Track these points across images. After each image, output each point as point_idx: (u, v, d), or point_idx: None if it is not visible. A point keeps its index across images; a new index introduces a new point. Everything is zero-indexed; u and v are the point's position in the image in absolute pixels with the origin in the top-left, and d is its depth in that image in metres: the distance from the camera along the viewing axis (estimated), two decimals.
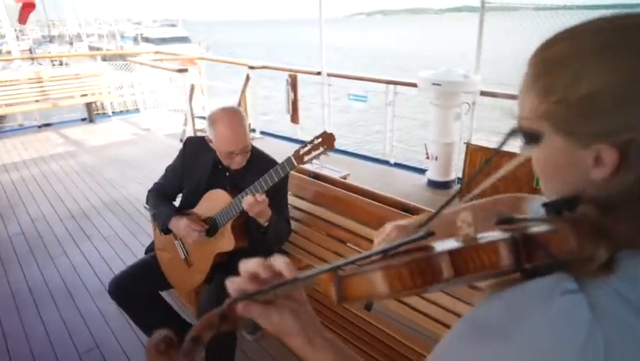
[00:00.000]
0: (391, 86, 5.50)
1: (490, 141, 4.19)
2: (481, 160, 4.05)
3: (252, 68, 6.53)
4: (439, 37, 72.43)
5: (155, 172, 2.30)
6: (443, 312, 1.76)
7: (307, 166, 2.67)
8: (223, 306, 0.60)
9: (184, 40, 36.57)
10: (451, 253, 0.49)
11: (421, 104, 5.78)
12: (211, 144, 2.01)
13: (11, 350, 2.56)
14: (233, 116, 1.96)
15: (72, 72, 7.69)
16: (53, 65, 16.89)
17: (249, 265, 0.63)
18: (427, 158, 4.91)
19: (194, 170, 2.14)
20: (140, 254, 2.45)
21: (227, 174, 2.09)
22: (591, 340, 0.46)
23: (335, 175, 3.22)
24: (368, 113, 6.74)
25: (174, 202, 2.25)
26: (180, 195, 2.25)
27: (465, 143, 4.42)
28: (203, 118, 6.09)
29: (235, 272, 0.65)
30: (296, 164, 1.77)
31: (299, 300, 0.65)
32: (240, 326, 0.61)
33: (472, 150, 4.20)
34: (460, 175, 4.69)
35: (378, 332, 1.99)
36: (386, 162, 5.74)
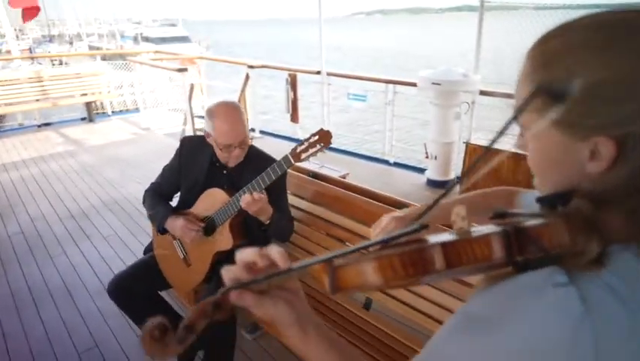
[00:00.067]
0: (391, 86, 5.50)
1: (490, 141, 4.18)
2: (475, 159, 4.05)
3: (251, 67, 6.52)
4: (438, 36, 72.45)
5: (155, 172, 2.30)
6: (443, 311, 1.76)
7: (306, 165, 2.67)
8: (217, 295, 0.60)
9: (184, 39, 36.59)
10: (444, 244, 0.49)
11: (421, 103, 5.78)
12: (209, 139, 2.01)
13: (11, 350, 2.56)
14: (231, 110, 1.97)
15: (72, 72, 7.69)
16: (53, 64, 16.90)
17: (244, 255, 0.63)
18: (427, 157, 4.91)
19: (192, 169, 2.14)
20: (140, 254, 2.45)
21: (225, 172, 2.09)
22: (581, 332, 0.46)
23: (334, 174, 3.22)
24: (367, 112, 6.74)
25: (171, 202, 2.25)
26: (177, 194, 2.25)
27: (464, 142, 4.42)
28: (203, 117, 6.10)
29: None
30: (293, 162, 1.77)
31: (294, 290, 0.65)
32: (234, 312, 0.62)
33: (471, 150, 4.21)
34: (460, 174, 4.69)
35: (377, 331, 1.99)
36: (385, 162, 5.74)
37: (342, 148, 6.12)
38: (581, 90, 0.50)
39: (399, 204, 2.01)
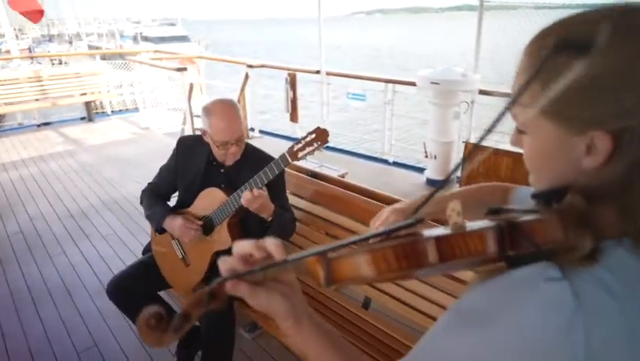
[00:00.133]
0: (390, 85, 5.51)
1: (489, 140, 4.18)
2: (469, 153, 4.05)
3: (250, 66, 6.52)
4: (438, 36, 72.45)
5: (154, 171, 2.30)
6: (442, 311, 1.76)
7: (306, 165, 2.68)
8: (213, 284, 0.61)
9: (183, 39, 36.55)
10: (437, 238, 0.49)
11: (420, 102, 5.79)
12: (205, 137, 2.01)
13: (10, 349, 2.56)
14: (228, 107, 1.97)
15: (71, 71, 7.69)
16: (53, 64, 16.89)
17: (241, 246, 0.64)
18: (426, 157, 4.91)
19: (189, 169, 2.14)
20: (139, 253, 2.45)
21: (222, 171, 2.09)
22: (573, 326, 0.46)
23: (333, 174, 3.23)
24: (367, 111, 6.75)
25: (168, 202, 2.25)
26: (175, 194, 2.25)
27: (463, 142, 4.42)
28: None
29: None
30: (290, 160, 1.77)
31: (289, 283, 0.66)
32: (232, 304, 0.63)
33: (470, 149, 4.20)
34: (459, 174, 4.69)
35: (376, 331, 2.00)
36: (385, 161, 5.74)
37: (342, 147, 6.13)
38: (579, 83, 0.50)
39: None
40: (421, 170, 5.27)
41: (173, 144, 2.23)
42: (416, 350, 0.59)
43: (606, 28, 0.50)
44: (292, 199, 2.42)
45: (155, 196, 2.21)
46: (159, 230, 2.13)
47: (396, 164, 5.68)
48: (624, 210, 0.51)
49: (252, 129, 6.88)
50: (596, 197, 0.51)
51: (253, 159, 2.04)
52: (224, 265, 0.63)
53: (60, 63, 17.77)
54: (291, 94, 6.02)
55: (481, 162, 3.87)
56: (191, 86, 6.09)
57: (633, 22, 0.50)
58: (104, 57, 9.13)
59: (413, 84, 4.91)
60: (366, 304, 2.26)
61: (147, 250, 2.34)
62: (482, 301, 0.54)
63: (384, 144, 5.82)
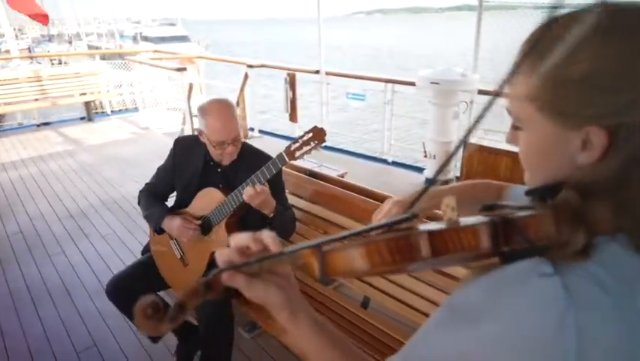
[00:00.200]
0: (390, 85, 5.51)
1: (487, 139, 4.19)
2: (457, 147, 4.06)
3: (250, 66, 6.53)
4: (438, 36, 72.43)
5: (154, 171, 2.30)
6: None
7: (305, 164, 2.68)
8: (209, 275, 0.62)
9: (183, 39, 36.54)
10: (431, 232, 0.50)
11: (420, 102, 5.79)
12: (202, 137, 2.01)
13: (9, 348, 2.56)
14: (223, 107, 1.97)
15: (71, 71, 7.69)
16: (52, 64, 16.88)
17: (239, 239, 0.65)
18: (425, 156, 4.92)
19: (186, 169, 2.14)
20: (138, 253, 2.45)
21: (219, 170, 2.09)
22: (565, 321, 0.47)
23: (333, 173, 3.23)
24: (366, 111, 6.75)
25: (166, 202, 2.25)
26: (173, 194, 2.25)
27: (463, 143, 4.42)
28: None
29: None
30: (287, 160, 1.76)
31: (285, 276, 0.67)
32: (230, 296, 0.64)
33: (469, 149, 4.21)
34: (459, 174, 4.70)
35: (375, 330, 2.00)
36: (384, 161, 5.74)
37: (341, 147, 6.13)
38: (575, 79, 0.50)
39: None
40: (420, 170, 5.28)
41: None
42: (409, 345, 0.59)
43: (537, 110, 0.52)
44: (292, 199, 2.43)
45: (152, 197, 2.21)
46: (158, 230, 2.13)
47: (395, 164, 5.68)
48: (619, 206, 0.51)
49: (252, 129, 6.89)
50: (590, 193, 0.51)
51: (250, 159, 2.04)
52: (221, 256, 0.64)
53: (60, 63, 17.75)
54: (290, 94, 6.02)
55: (481, 162, 3.88)
56: (191, 86, 6.09)
57: (628, 24, 0.50)
58: (103, 57, 9.12)
59: (412, 84, 4.91)
60: (365, 303, 2.26)
61: (146, 250, 2.34)
62: (475, 296, 0.54)
63: (383, 144, 5.83)
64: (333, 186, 2.33)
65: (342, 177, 3.52)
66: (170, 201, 2.25)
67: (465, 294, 0.55)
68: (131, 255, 3.44)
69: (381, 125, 5.79)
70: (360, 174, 4.84)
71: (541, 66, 0.53)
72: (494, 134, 4.38)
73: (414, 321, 1.90)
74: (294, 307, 0.66)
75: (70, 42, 38.55)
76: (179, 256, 2.16)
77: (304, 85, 6.54)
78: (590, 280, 0.48)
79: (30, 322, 2.77)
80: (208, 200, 2.03)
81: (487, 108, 0.52)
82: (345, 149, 6.16)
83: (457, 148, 0.59)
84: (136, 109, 8.17)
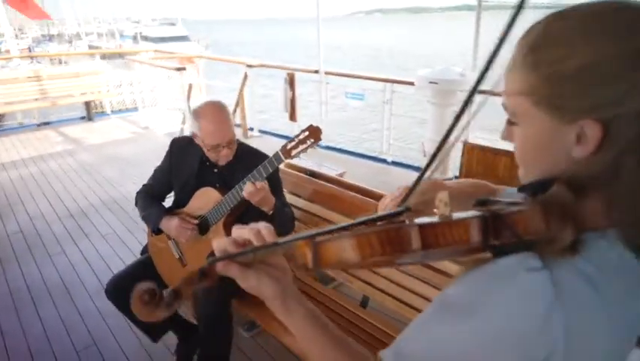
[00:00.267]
0: (389, 85, 5.51)
1: (487, 139, 4.19)
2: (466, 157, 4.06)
3: (249, 66, 6.54)
4: (438, 35, 72.39)
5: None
6: None
7: (304, 164, 2.69)
8: (205, 264, 0.64)
9: (183, 38, 36.56)
10: (421, 225, 0.51)
11: (419, 102, 5.79)
12: (196, 139, 2.01)
13: (9, 348, 2.57)
14: (217, 109, 1.97)
15: (71, 71, 7.69)
16: (52, 63, 16.87)
17: (240, 233, 0.67)
18: (424, 156, 4.92)
19: (182, 169, 2.14)
20: (138, 252, 2.46)
21: (215, 170, 2.09)
22: (552, 315, 0.48)
23: (332, 173, 3.24)
24: (365, 111, 6.74)
25: (163, 202, 2.26)
26: (171, 194, 2.26)
27: (462, 141, 4.43)
28: None
29: None
30: (284, 158, 1.77)
31: (279, 267, 0.68)
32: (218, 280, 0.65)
33: (469, 149, 4.21)
34: (458, 173, 4.70)
35: (374, 329, 2.00)
36: (383, 160, 5.75)
37: (340, 147, 6.14)
38: (570, 73, 0.52)
39: None
40: (419, 169, 5.26)
41: None
42: (400, 338, 0.60)
43: (533, 105, 0.54)
44: (291, 198, 2.43)
45: (150, 197, 2.22)
46: (156, 231, 2.14)
47: (394, 163, 5.69)
48: (611, 199, 0.52)
49: (252, 129, 6.89)
50: (582, 187, 0.52)
51: (247, 158, 2.03)
52: (218, 245, 0.67)
53: (60, 63, 17.75)
54: (290, 93, 6.03)
55: (480, 162, 3.88)
56: (190, 86, 6.10)
57: (621, 16, 0.52)
58: (103, 57, 9.12)
59: (411, 84, 4.91)
60: (364, 302, 2.27)
61: (146, 250, 2.35)
62: (464, 291, 0.55)
63: (382, 144, 5.83)
64: (332, 185, 2.34)
65: (341, 176, 3.53)
66: (169, 202, 2.26)
67: (455, 289, 0.56)
68: (131, 254, 3.45)
69: (380, 125, 5.79)
70: (359, 174, 4.84)
71: (537, 61, 0.54)
72: (494, 134, 4.39)
73: (412, 320, 1.90)
74: (286, 297, 0.67)
75: (70, 42, 38.57)
76: (177, 256, 2.17)
77: (303, 84, 6.54)
78: (577, 275, 0.49)
79: (30, 321, 2.78)
80: (205, 200, 2.04)
81: (466, 102, 0.53)
82: (345, 148, 6.16)
83: (444, 140, 0.60)
84: (136, 109, 8.17)
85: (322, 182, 2.39)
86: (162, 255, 2.22)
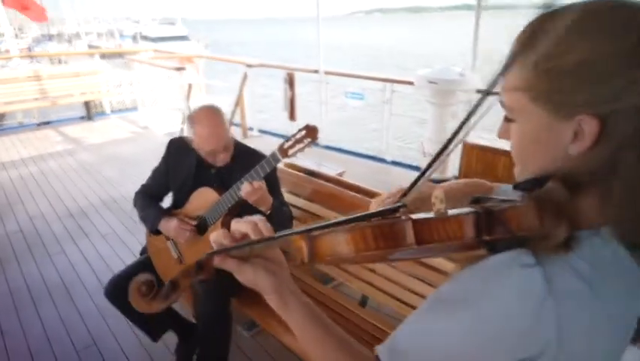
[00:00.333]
0: (388, 85, 5.51)
1: (486, 139, 4.20)
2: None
3: (249, 66, 6.54)
4: (438, 35, 72.35)
5: None
6: None
7: (303, 163, 2.69)
8: (201, 257, 0.66)
9: (183, 38, 36.56)
10: (415, 220, 0.52)
11: (418, 101, 5.79)
12: (193, 145, 2.01)
13: (9, 348, 2.57)
14: (211, 115, 1.97)
15: (71, 70, 7.69)
16: (52, 63, 16.86)
17: (239, 226, 0.68)
18: (424, 155, 4.92)
19: (180, 170, 2.15)
20: (138, 252, 2.47)
21: (213, 171, 2.09)
22: (544, 311, 0.48)
23: (331, 172, 3.24)
24: (365, 111, 6.74)
25: (162, 203, 2.26)
26: (169, 195, 2.27)
27: (461, 141, 4.43)
28: None
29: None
30: (281, 158, 1.77)
31: (276, 261, 0.69)
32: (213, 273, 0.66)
33: (468, 148, 4.22)
34: (457, 173, 4.70)
35: (373, 328, 2.01)
36: (382, 160, 5.75)
37: (340, 146, 6.14)
38: (568, 68, 0.52)
39: None
40: (418, 169, 5.27)
41: None
42: (395, 334, 0.61)
43: (530, 101, 0.54)
44: (290, 198, 2.44)
45: (148, 198, 2.23)
46: (154, 232, 2.15)
47: (394, 163, 5.69)
48: (608, 196, 0.52)
49: (251, 128, 6.89)
50: (577, 184, 0.52)
51: (244, 158, 2.03)
52: (215, 238, 0.68)
53: (59, 62, 17.74)
54: (289, 93, 6.03)
55: (479, 161, 3.89)
56: (190, 86, 6.10)
57: (619, 15, 0.52)
58: (103, 56, 9.11)
59: (411, 83, 4.91)
60: (363, 302, 2.28)
61: (145, 250, 2.36)
62: (459, 287, 0.56)
63: (382, 143, 5.83)
64: (331, 185, 2.35)
65: (341, 176, 3.53)
66: (167, 202, 2.26)
67: (450, 285, 0.57)
68: (131, 254, 3.45)
69: (380, 125, 5.79)
70: (358, 173, 4.84)
71: (536, 57, 0.55)
72: (493, 134, 4.39)
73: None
74: (283, 290, 0.68)
75: (69, 41, 38.56)
76: (176, 256, 2.17)
77: (303, 84, 6.54)
78: (569, 272, 0.50)
79: (30, 321, 2.78)
80: (203, 200, 2.04)
81: (477, 104, 0.53)
82: (344, 148, 6.17)
83: (449, 142, 0.61)
84: (135, 108, 8.16)
85: (322, 181, 2.40)
86: (161, 255, 2.22)
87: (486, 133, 4.38)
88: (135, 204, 2.24)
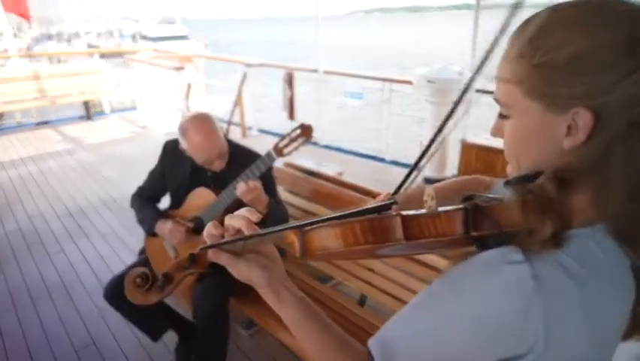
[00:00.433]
0: (387, 84, 5.52)
1: (485, 138, 4.20)
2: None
3: (249, 65, 6.54)
4: (437, 34, 72.34)
5: None
6: None
7: (302, 163, 2.69)
8: (195, 251, 0.67)
9: (182, 37, 36.55)
10: (403, 216, 0.52)
11: (417, 101, 5.79)
12: (187, 154, 2.01)
13: (8, 348, 2.57)
14: (202, 124, 1.95)
15: (70, 70, 7.70)
16: (51, 62, 16.84)
17: (232, 221, 0.68)
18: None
19: (176, 172, 2.15)
20: (137, 251, 2.47)
21: (209, 173, 2.09)
22: (532, 307, 0.49)
23: (330, 172, 3.24)
24: (364, 110, 6.75)
25: (158, 204, 2.27)
26: (165, 196, 2.27)
27: (460, 140, 4.43)
28: None
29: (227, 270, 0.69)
30: (276, 157, 1.78)
31: (270, 256, 0.70)
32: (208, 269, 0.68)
33: (467, 148, 4.22)
34: (456, 172, 4.71)
35: (372, 327, 2.00)
36: (382, 159, 5.75)
37: (339, 146, 6.14)
38: (563, 61, 0.52)
39: None
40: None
41: None
42: (386, 326, 0.62)
43: (525, 96, 0.55)
44: (289, 197, 2.44)
45: (145, 200, 2.23)
46: (151, 234, 2.15)
47: (393, 162, 5.69)
48: (600, 192, 0.53)
49: (250, 128, 6.90)
50: (569, 180, 0.53)
51: (240, 158, 2.03)
52: (209, 231, 0.69)
53: (59, 62, 17.73)
54: (288, 92, 6.03)
55: (478, 160, 3.89)
56: (189, 85, 6.10)
57: (612, 9, 0.53)
58: (102, 56, 9.10)
59: (410, 83, 4.91)
60: (362, 301, 2.28)
61: (143, 250, 2.36)
62: (449, 282, 0.57)
63: (381, 143, 5.84)
64: (330, 184, 2.35)
65: (340, 175, 3.53)
66: (165, 202, 2.27)
67: (440, 280, 0.58)
68: (131, 254, 3.44)
69: (379, 124, 5.80)
70: (358, 173, 4.85)
71: (530, 51, 0.55)
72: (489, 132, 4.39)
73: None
74: (276, 285, 0.68)
75: (69, 41, 38.54)
76: (173, 257, 2.17)
77: (303, 84, 6.54)
78: (558, 269, 0.50)
79: (29, 321, 2.78)
80: (200, 200, 2.05)
81: (459, 101, 0.54)
82: (343, 147, 6.17)
83: (436, 134, 0.61)
84: (135, 108, 8.16)
85: (321, 181, 2.40)
86: (159, 255, 2.22)
87: (485, 133, 4.38)
88: (132, 207, 2.25)
